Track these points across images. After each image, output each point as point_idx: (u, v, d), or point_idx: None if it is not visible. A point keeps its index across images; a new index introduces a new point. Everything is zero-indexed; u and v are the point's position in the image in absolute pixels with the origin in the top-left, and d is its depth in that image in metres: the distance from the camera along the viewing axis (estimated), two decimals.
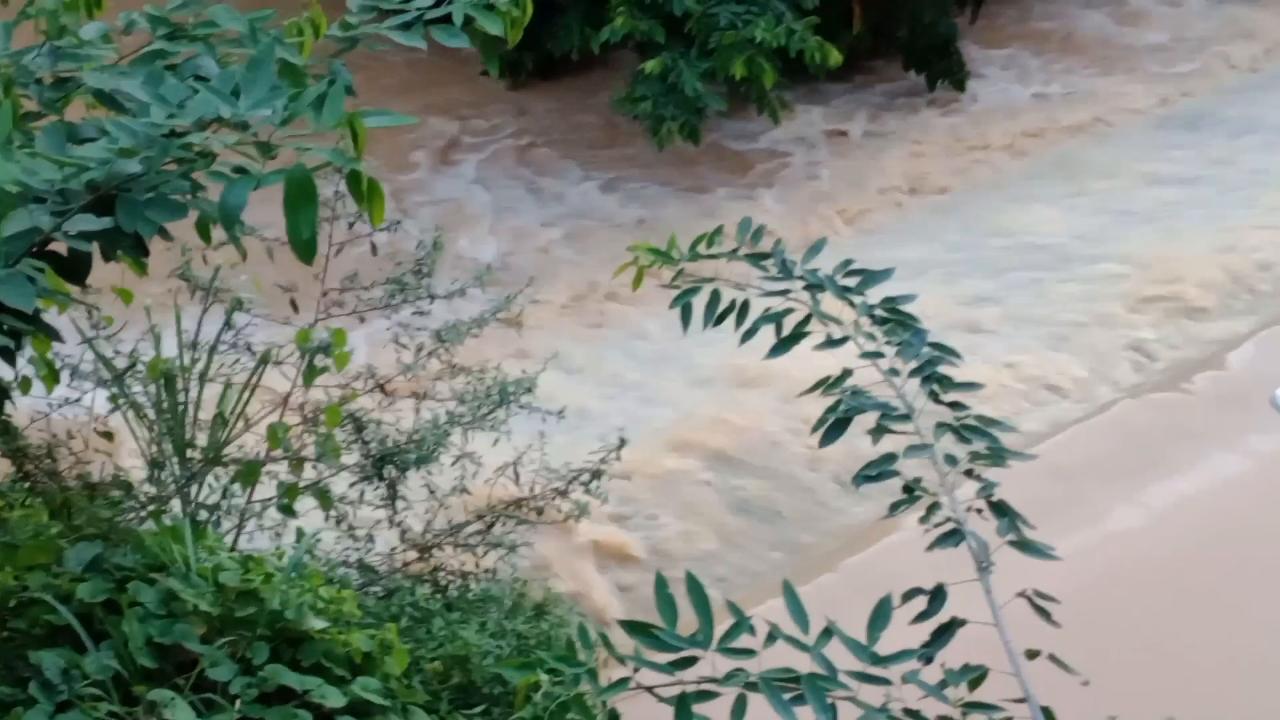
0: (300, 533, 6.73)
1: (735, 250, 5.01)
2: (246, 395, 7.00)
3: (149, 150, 3.86)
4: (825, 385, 4.76)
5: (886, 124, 17.73)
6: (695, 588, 3.99)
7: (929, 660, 4.16)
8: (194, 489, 6.86)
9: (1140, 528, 11.85)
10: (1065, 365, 13.60)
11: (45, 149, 3.99)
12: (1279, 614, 10.72)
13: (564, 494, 7.96)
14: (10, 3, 5.01)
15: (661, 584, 4.04)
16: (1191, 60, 19.23)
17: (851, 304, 4.90)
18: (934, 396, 4.71)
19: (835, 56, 15.58)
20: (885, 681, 3.96)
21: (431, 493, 7.89)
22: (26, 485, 6.56)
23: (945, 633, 4.25)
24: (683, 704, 3.87)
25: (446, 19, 4.66)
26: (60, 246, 4.05)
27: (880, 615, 4.14)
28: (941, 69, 18.12)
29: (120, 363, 7.07)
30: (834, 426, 4.67)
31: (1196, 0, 20.28)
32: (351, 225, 7.32)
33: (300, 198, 3.71)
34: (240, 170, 3.91)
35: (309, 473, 7.24)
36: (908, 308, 4.90)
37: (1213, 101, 18.49)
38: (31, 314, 4.03)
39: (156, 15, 4.68)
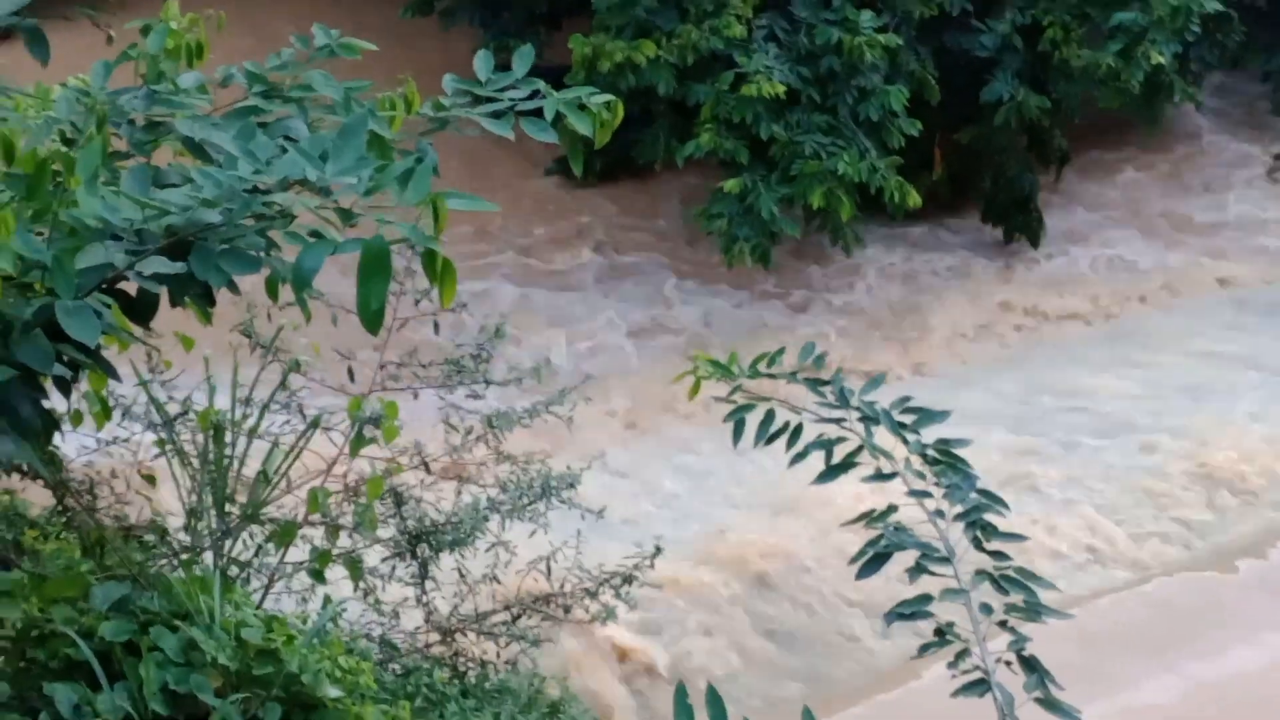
0: (327, 600, 6.71)
1: (795, 373, 5.01)
2: (292, 457, 7.01)
3: (231, 202, 3.90)
4: (869, 518, 4.74)
5: (958, 271, 17.75)
6: (715, 702, 3.95)
7: None
8: (228, 543, 6.86)
9: (1167, 704, 11.69)
10: (1109, 532, 13.50)
11: (130, 189, 4.04)
12: None
13: (594, 595, 7.92)
14: (114, 43, 5.09)
15: (681, 694, 4.00)
16: (1270, 243, 19.17)
17: (905, 441, 4.89)
18: (976, 543, 4.68)
19: (914, 198, 15.66)
20: None
21: (462, 577, 7.87)
22: (64, 519, 6.58)
23: None
24: None
25: (537, 113, 4.71)
26: (130, 286, 4.08)
27: None
28: (1018, 224, 18.14)
29: (172, 408, 7.10)
30: (873, 560, 4.65)
31: None
32: (418, 302, 7.36)
33: (374, 269, 3.73)
34: (316, 234, 3.94)
35: (344, 541, 7.23)
36: (960, 452, 4.88)
37: None
38: (93, 348, 4.06)
39: (255, 73, 4.75)
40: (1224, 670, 12.07)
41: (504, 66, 4.83)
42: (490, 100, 4.74)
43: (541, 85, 4.77)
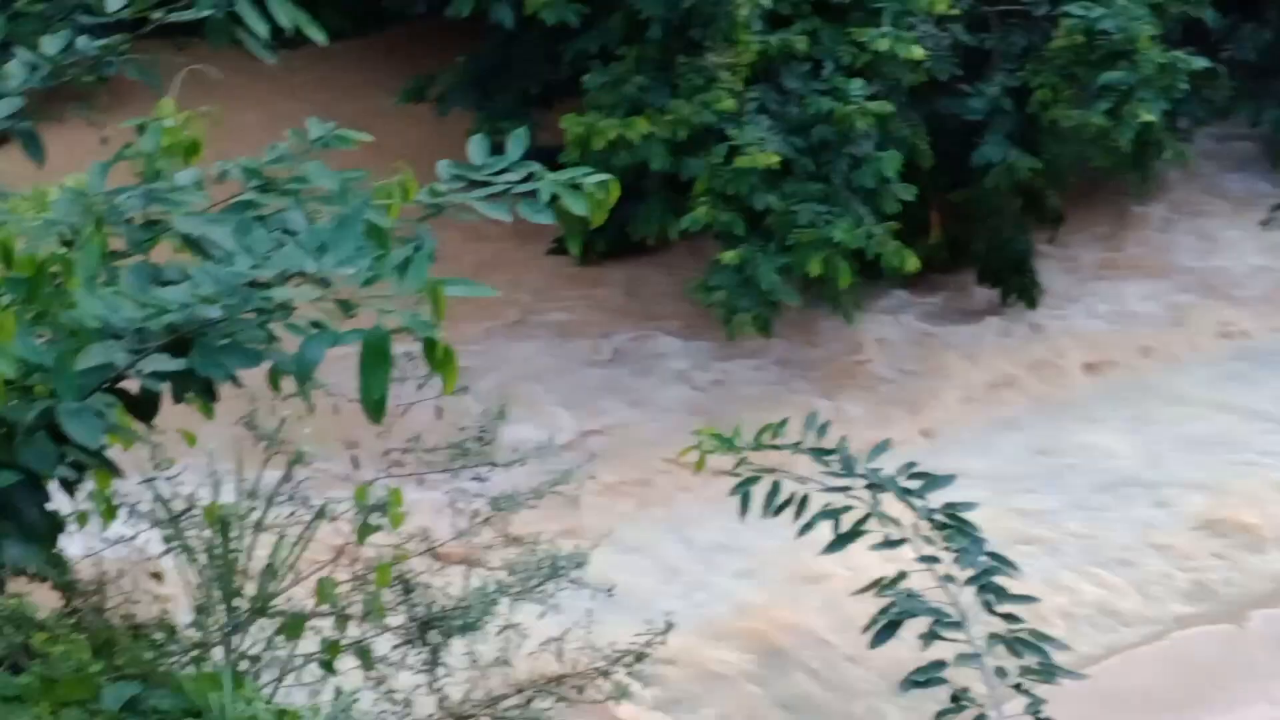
0: (338, 691, 6.69)
1: (799, 443, 5.03)
2: (299, 548, 7.00)
3: (230, 298, 3.92)
4: (880, 586, 4.73)
5: (957, 334, 17.76)
6: None
7: None
8: (238, 638, 6.84)
9: None
10: (1122, 589, 13.45)
11: (129, 288, 4.06)
12: None
13: (606, 674, 7.88)
14: (109, 142, 5.13)
15: None
16: (1268, 294, 19.20)
17: (912, 507, 4.89)
18: (988, 606, 4.67)
19: (913, 262, 15.71)
20: None
21: (474, 662, 7.84)
22: (73, 620, 6.56)
23: None
24: None
25: (533, 195, 4.73)
26: (132, 384, 4.09)
27: None
28: (1015, 285, 18.17)
29: (178, 504, 7.09)
30: (886, 628, 4.64)
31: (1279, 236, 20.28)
32: (420, 387, 7.36)
33: (376, 359, 3.75)
34: (316, 325, 3.96)
35: (353, 630, 7.21)
36: (967, 516, 4.89)
37: None
38: (96, 449, 4.07)
39: (250, 167, 4.78)
40: None
41: (499, 148, 4.86)
42: (486, 184, 4.77)
43: (536, 167, 4.80)
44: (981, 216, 17.81)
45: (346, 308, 3.86)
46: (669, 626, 7.98)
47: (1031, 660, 4.51)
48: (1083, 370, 17.45)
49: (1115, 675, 12.30)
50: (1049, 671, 4.49)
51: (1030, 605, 4.66)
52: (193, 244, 4.38)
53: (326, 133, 4.99)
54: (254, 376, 4.19)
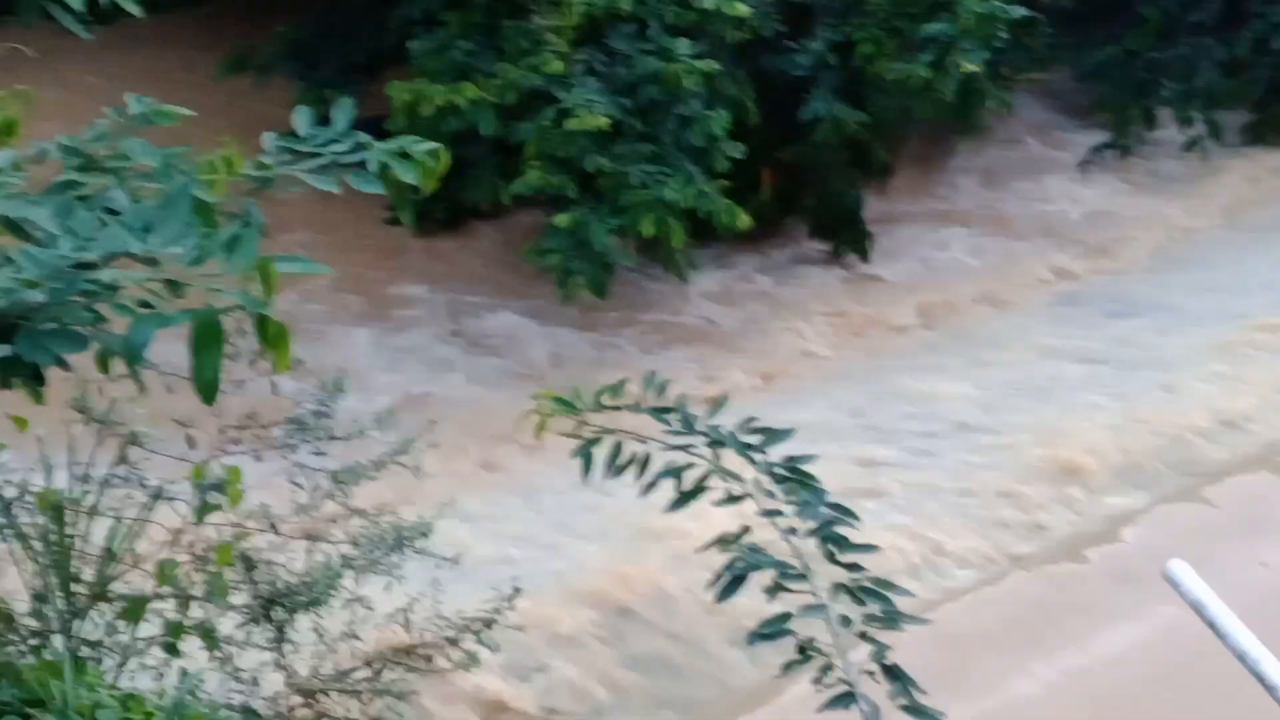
0: (184, 673, 6.60)
1: (638, 403, 5.03)
2: (137, 531, 6.88)
3: (55, 281, 3.82)
4: (724, 542, 4.76)
5: (792, 288, 17.93)
6: None
7: None
8: (78, 624, 6.72)
9: (1032, 698, 11.87)
10: (960, 534, 13.69)
11: None
12: None
13: (455, 643, 7.86)
14: None
15: None
16: (1094, 241, 19.64)
17: (752, 461, 4.92)
18: (831, 557, 4.72)
19: (744, 220, 15.80)
20: None
21: (320, 636, 7.77)
22: None
23: None
24: None
25: (362, 165, 4.68)
26: None
27: None
28: (846, 237, 18.41)
29: (9, 491, 6.94)
30: (730, 583, 4.67)
31: (1103, 184, 20.72)
32: (253, 362, 7.25)
33: (207, 340, 3.68)
34: (145, 304, 3.88)
35: (196, 611, 7.11)
36: (808, 468, 4.93)
37: (1114, 282, 18.89)
38: None
39: (70, 146, 4.67)
40: (1084, 660, 12.28)
41: (325, 119, 4.79)
42: (313, 155, 4.70)
43: (364, 137, 4.74)
44: (811, 171, 17.99)
45: (175, 287, 3.79)
46: (516, 592, 7.97)
47: (875, 608, 4.56)
48: (915, 319, 17.73)
49: (957, 617, 12.53)
50: (893, 618, 4.54)
51: (872, 554, 4.72)
52: (13, 227, 4.27)
53: (147, 108, 4.89)
54: (84, 358, 4.11)
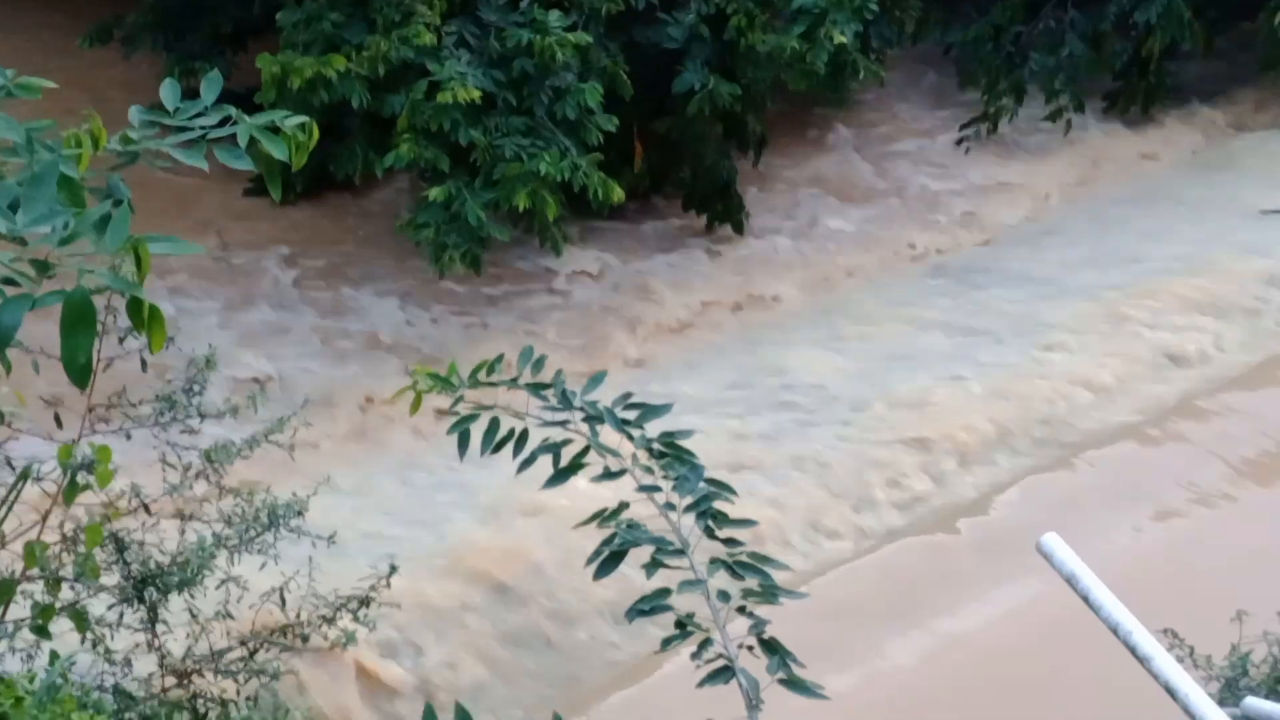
0: (54, 655, 6.49)
1: (515, 379, 5.02)
2: (4, 512, 6.76)
3: None
4: (601, 518, 4.76)
5: (667, 261, 17.96)
6: (464, 719, 3.93)
7: None
8: None
9: (908, 668, 12.01)
10: (834, 506, 13.78)
11: None
12: None
13: (331, 621, 7.82)
14: None
15: (430, 715, 3.97)
16: (962, 211, 19.85)
17: (630, 437, 4.92)
18: (709, 532, 4.74)
19: (618, 193, 15.76)
20: None
21: (194, 617, 7.69)
22: None
23: None
24: None
25: (231, 139, 4.60)
26: None
27: None
28: (721, 211, 18.46)
29: None
30: (609, 559, 4.67)
31: (972, 157, 20.93)
32: (122, 340, 7.16)
33: (78, 322, 3.60)
34: (9, 282, 3.79)
35: (67, 593, 7.01)
36: (685, 443, 4.94)
37: (983, 252, 19.11)
38: None
39: None
40: (957, 628, 12.44)
41: (192, 92, 4.71)
42: (181, 130, 4.62)
43: (232, 111, 4.66)
44: (685, 144, 18.00)
45: (44, 268, 3.71)
46: (392, 569, 7.95)
47: (753, 582, 4.59)
48: (788, 292, 17.82)
49: (832, 589, 12.63)
50: (770, 592, 4.57)
51: (749, 529, 4.74)
52: None
53: (8, 80, 4.78)
54: None
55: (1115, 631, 4.52)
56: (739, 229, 18.54)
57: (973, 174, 20.64)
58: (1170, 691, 4.40)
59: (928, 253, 19.02)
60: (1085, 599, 4.61)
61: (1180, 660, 6.23)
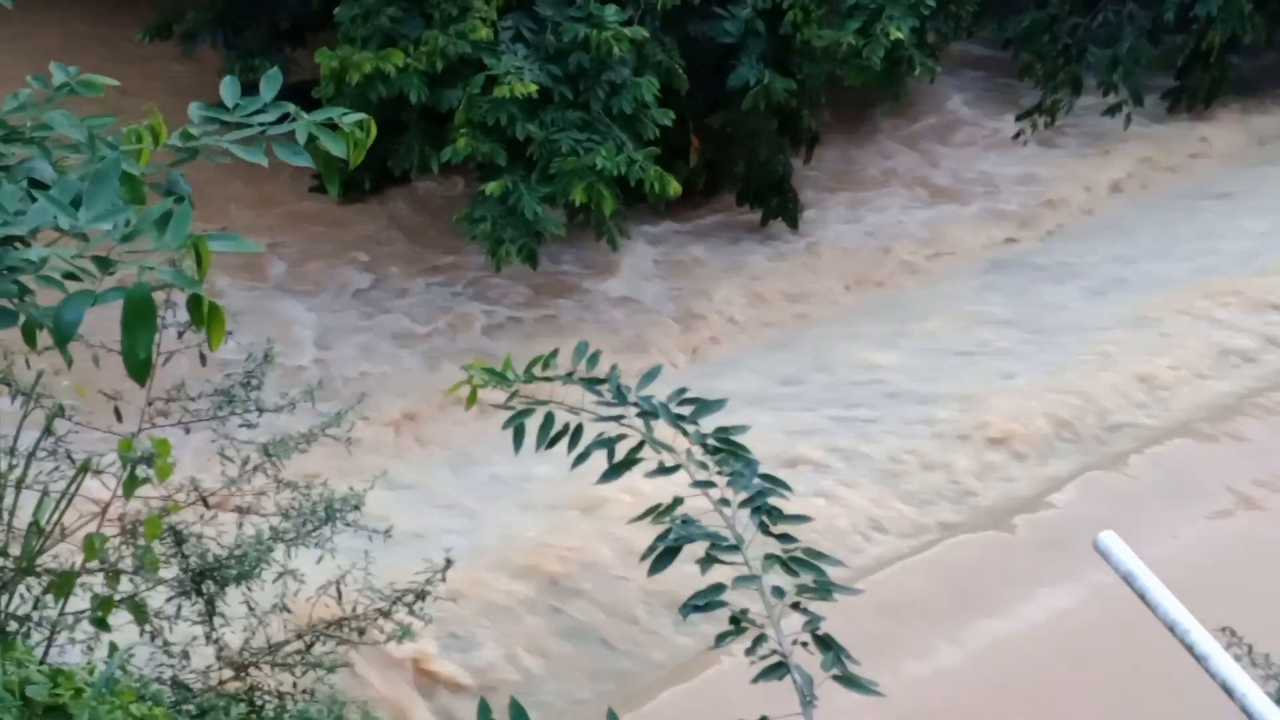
0: (113, 647, 6.55)
1: (570, 374, 5.02)
2: (64, 504, 6.82)
3: None
4: (656, 513, 4.76)
5: (722, 256, 17.95)
6: (519, 714, 3.94)
7: None
8: (5, 598, 6.65)
9: (962, 666, 11.96)
10: (890, 502, 13.73)
11: None
12: None
13: (387, 614, 7.83)
14: None
15: (484, 710, 3.99)
16: (1021, 208, 19.74)
17: (684, 432, 4.92)
18: (763, 528, 4.73)
19: (674, 187, 15.76)
20: None
21: (251, 610, 7.73)
22: None
23: None
24: None
25: (289, 136, 4.63)
26: None
27: None
28: (776, 206, 18.43)
29: None
30: (663, 555, 4.67)
31: (1029, 150, 20.81)
32: (181, 334, 7.20)
33: (139, 318, 3.63)
34: (71, 276, 3.83)
35: (126, 586, 7.06)
36: (740, 438, 4.93)
37: (1040, 247, 19.00)
38: None
39: None
40: (1012, 625, 12.38)
41: (251, 87, 4.74)
42: (240, 126, 4.65)
43: (291, 108, 4.69)
44: (740, 139, 17.99)
45: (105, 264, 3.74)
46: (449, 563, 7.95)
47: (808, 578, 4.58)
48: (845, 287, 17.78)
49: (888, 586, 12.59)
50: (825, 589, 4.56)
51: (804, 524, 4.73)
52: None
53: (70, 78, 4.82)
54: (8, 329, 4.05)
55: (1173, 630, 4.49)
56: (793, 224, 18.51)
57: (1030, 167, 20.52)
58: (1228, 690, 4.37)
59: (984, 248, 18.92)
60: (1142, 597, 4.58)
61: (1238, 659, 6.19)
